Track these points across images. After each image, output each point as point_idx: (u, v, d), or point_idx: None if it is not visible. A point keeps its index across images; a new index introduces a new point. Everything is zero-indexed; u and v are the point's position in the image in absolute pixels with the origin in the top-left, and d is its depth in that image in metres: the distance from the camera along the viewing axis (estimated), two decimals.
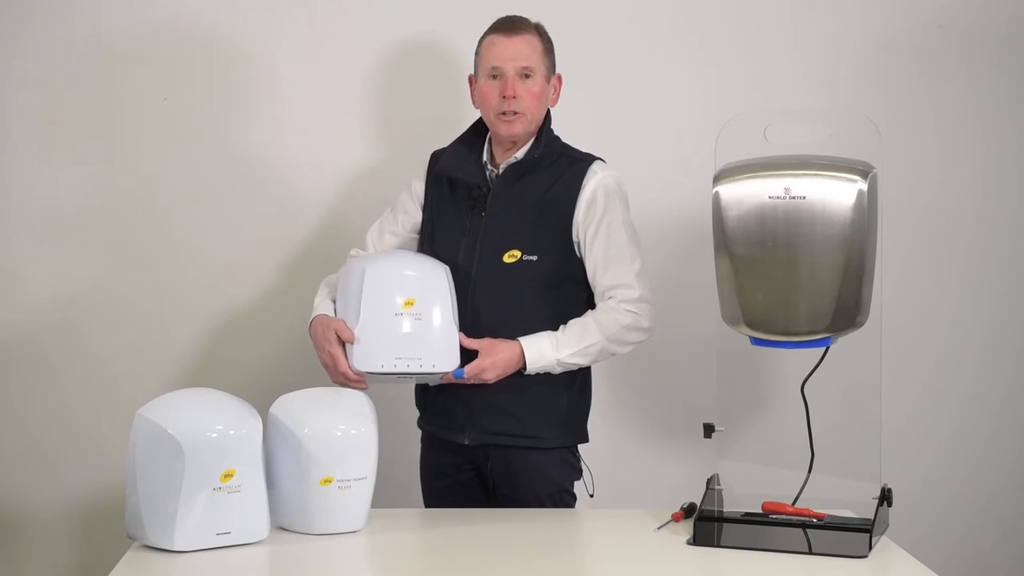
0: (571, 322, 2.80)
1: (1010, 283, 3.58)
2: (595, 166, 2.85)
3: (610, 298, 2.81)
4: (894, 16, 3.52)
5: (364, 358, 2.69)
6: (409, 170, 3.04)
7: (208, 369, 3.46)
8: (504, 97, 2.80)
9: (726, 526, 2.60)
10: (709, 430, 2.70)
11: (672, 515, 2.65)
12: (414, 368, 2.70)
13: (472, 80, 2.92)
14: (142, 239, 3.46)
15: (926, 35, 3.52)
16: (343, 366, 2.70)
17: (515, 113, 2.80)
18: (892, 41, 3.52)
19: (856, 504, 2.62)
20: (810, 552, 2.47)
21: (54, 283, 3.44)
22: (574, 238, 2.82)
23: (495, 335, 2.76)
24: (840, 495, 2.67)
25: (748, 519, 2.61)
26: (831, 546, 2.48)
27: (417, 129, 3.43)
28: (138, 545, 2.47)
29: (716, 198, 2.57)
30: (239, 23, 3.44)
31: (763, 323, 2.56)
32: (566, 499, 2.90)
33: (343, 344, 2.71)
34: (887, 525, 2.59)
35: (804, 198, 2.50)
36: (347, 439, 2.54)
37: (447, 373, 2.72)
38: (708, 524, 2.59)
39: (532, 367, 2.76)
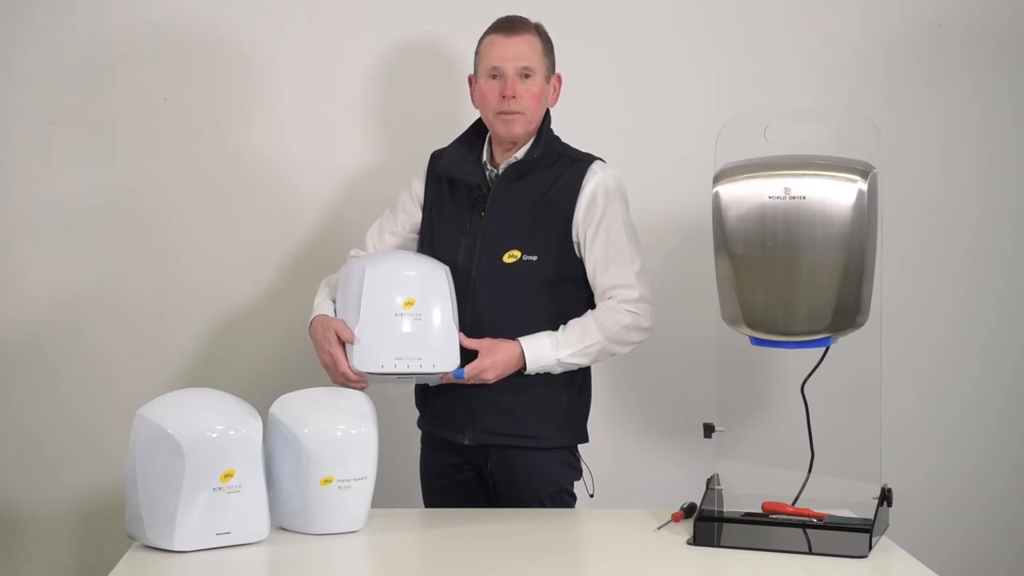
0: (571, 322, 2.80)
1: (1010, 283, 3.58)
2: (595, 166, 2.85)
3: (610, 298, 2.81)
4: (894, 16, 3.52)
5: (364, 358, 2.69)
6: (409, 170, 3.04)
7: (208, 369, 3.46)
8: (504, 97, 2.80)
9: (726, 526, 2.60)
10: (709, 430, 2.70)
11: (672, 515, 2.65)
12: (414, 368, 2.70)
13: (472, 80, 2.92)
14: (142, 239, 3.46)
15: (926, 35, 3.52)
16: (343, 366, 2.70)
17: (515, 113, 2.80)
18: (892, 41, 3.52)
19: (856, 504, 2.62)
20: (810, 552, 2.47)
21: (54, 283, 3.44)
22: (574, 238, 2.82)
23: (495, 335, 2.76)
24: (840, 495, 2.67)
25: (748, 519, 2.61)
26: (831, 546, 2.48)
27: (417, 129, 3.43)
28: (138, 545, 2.47)
29: (716, 198, 2.57)
30: (239, 23, 3.44)
31: (763, 323, 2.56)
32: (566, 499, 2.90)
33: (343, 344, 2.71)
34: (887, 525, 2.59)
35: (804, 198, 2.50)
36: (347, 439, 2.54)
37: (447, 373, 2.72)
38: (708, 524, 2.59)
39: (532, 367, 2.76)
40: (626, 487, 3.44)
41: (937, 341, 3.59)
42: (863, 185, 2.48)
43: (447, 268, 2.80)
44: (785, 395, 3.18)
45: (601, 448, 3.09)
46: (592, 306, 2.84)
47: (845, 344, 2.60)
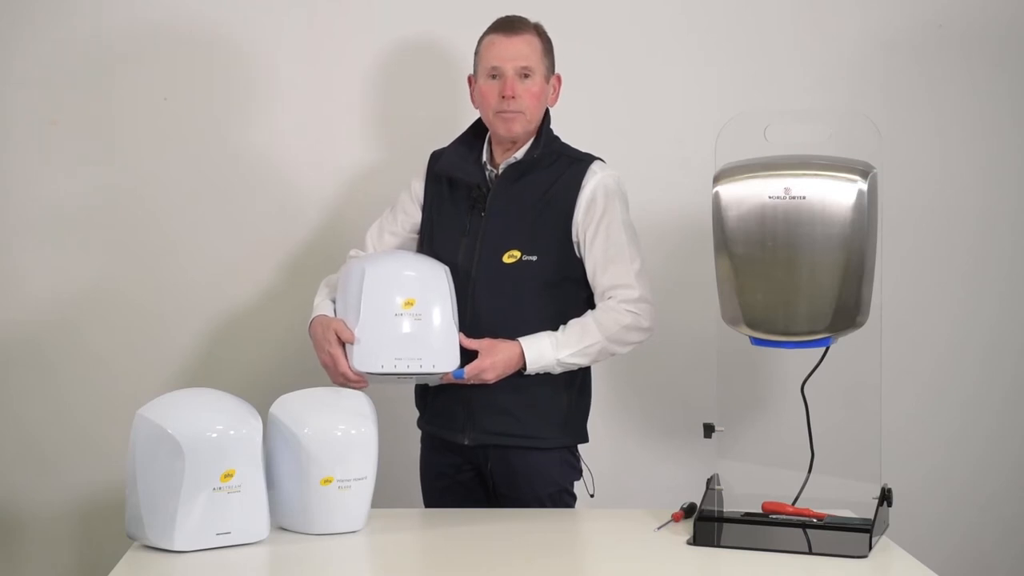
0: (571, 322, 2.80)
1: (1010, 283, 3.58)
2: (595, 166, 2.85)
3: (610, 298, 2.81)
4: (894, 16, 3.52)
5: (364, 358, 2.69)
6: (409, 170, 3.04)
7: (208, 369, 3.46)
8: (503, 97, 2.80)
9: (726, 526, 2.60)
10: (709, 430, 2.70)
11: (672, 515, 2.65)
12: (414, 368, 2.70)
13: (472, 80, 2.92)
14: (142, 239, 3.46)
15: (926, 35, 3.52)
16: (343, 366, 2.70)
17: (514, 113, 2.80)
18: (892, 41, 3.52)
19: (856, 504, 2.62)
20: (810, 552, 2.47)
21: (54, 283, 3.44)
22: (574, 238, 2.82)
23: (495, 335, 2.76)
24: (840, 495, 2.67)
25: (748, 519, 2.61)
26: (831, 546, 2.48)
27: (417, 129, 3.43)
28: (138, 545, 2.47)
29: (716, 198, 2.57)
30: (239, 23, 3.44)
31: (763, 323, 2.56)
32: (566, 499, 2.90)
33: (343, 344, 2.71)
34: (887, 525, 2.59)
35: (804, 198, 2.50)
36: (347, 439, 2.54)
37: (447, 373, 2.72)
38: (708, 524, 2.59)
39: (532, 367, 2.76)
40: (626, 487, 3.44)
41: (937, 341, 3.59)
42: (863, 185, 2.48)
43: (447, 268, 2.80)
44: (785, 395, 3.18)
45: (601, 448, 3.09)
46: (592, 306, 2.84)
47: (845, 344, 2.60)
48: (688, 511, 2.64)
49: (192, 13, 3.43)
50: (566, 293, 2.84)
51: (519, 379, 2.77)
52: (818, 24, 3.52)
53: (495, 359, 2.73)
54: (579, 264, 2.83)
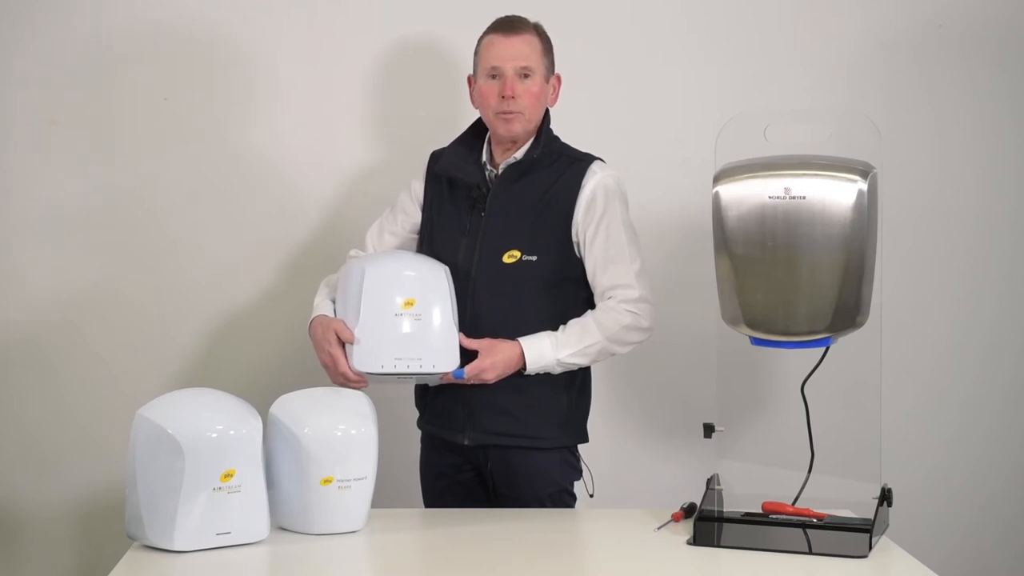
0: (571, 322, 2.80)
1: (1010, 283, 3.58)
2: (594, 166, 2.85)
3: (610, 298, 2.81)
4: (894, 16, 3.52)
5: (364, 358, 2.69)
6: (409, 170, 3.04)
7: (208, 369, 3.46)
8: (503, 97, 2.80)
9: (726, 526, 2.60)
10: (709, 430, 2.70)
11: (672, 515, 2.65)
12: (414, 368, 2.70)
13: (471, 80, 2.92)
14: (142, 239, 3.46)
15: (926, 35, 3.52)
16: (343, 366, 2.70)
17: (514, 113, 2.80)
18: (892, 41, 3.52)
19: (856, 504, 2.62)
20: (810, 552, 2.47)
21: (54, 283, 3.44)
22: (574, 238, 2.82)
23: (495, 335, 2.76)
24: (840, 495, 2.67)
25: (748, 519, 2.61)
26: (831, 546, 2.48)
27: (417, 129, 3.43)
28: (138, 545, 2.47)
29: (716, 198, 2.57)
30: (239, 23, 3.44)
31: (763, 323, 2.56)
32: (566, 499, 2.90)
33: (343, 344, 2.71)
34: (887, 525, 2.59)
35: (804, 198, 2.50)
36: (347, 439, 2.54)
37: (447, 373, 2.72)
38: (708, 524, 2.59)
39: (532, 367, 2.76)
40: (626, 487, 3.44)
41: (937, 341, 3.59)
42: (863, 185, 2.48)
43: (447, 268, 2.80)
44: (785, 395, 3.18)
45: (601, 448, 3.09)
46: (592, 306, 2.84)
47: (845, 344, 2.60)
48: (688, 511, 2.64)
49: (192, 13, 3.43)
50: (566, 293, 2.84)
51: (519, 379, 2.77)
52: (818, 24, 3.52)
53: (495, 359, 2.73)
54: (579, 264, 2.83)
